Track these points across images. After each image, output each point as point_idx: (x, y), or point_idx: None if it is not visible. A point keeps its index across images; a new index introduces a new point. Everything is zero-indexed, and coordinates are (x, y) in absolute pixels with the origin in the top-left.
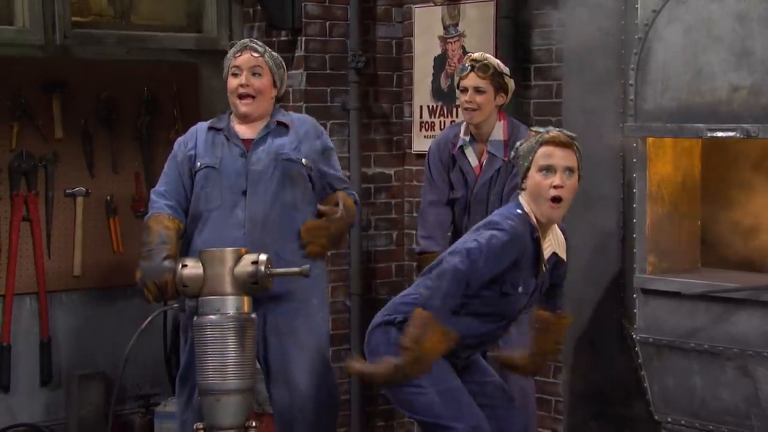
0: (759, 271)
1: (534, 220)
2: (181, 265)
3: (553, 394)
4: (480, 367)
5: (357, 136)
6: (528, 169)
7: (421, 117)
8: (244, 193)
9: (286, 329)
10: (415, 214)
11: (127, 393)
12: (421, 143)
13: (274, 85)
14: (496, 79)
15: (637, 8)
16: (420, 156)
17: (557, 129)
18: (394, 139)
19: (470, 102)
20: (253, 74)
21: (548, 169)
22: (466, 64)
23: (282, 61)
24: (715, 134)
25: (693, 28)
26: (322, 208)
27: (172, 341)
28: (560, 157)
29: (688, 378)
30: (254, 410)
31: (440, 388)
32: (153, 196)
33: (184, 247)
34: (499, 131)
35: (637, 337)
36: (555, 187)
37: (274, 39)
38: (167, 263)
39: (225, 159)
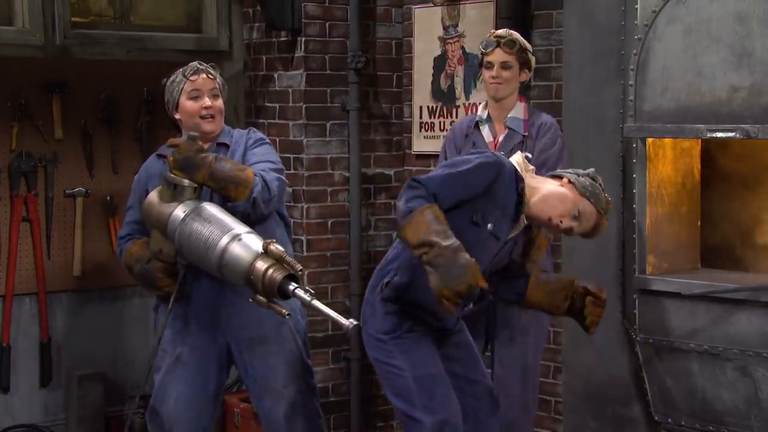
0: (759, 271)
1: (522, 172)
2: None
3: (552, 395)
4: (474, 365)
5: (357, 136)
6: None
7: (420, 117)
8: None
9: (257, 341)
10: None
11: (127, 393)
12: (420, 144)
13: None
14: (521, 54)
15: (636, 8)
16: (420, 156)
17: None
18: (394, 139)
19: (496, 77)
20: (212, 96)
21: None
22: (492, 40)
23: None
24: (714, 135)
25: (693, 29)
26: None
27: None
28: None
29: (688, 378)
30: (253, 410)
31: (417, 373)
32: (119, 243)
33: None
34: (519, 110)
35: (637, 338)
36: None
37: (273, 39)
38: (148, 265)
39: None
